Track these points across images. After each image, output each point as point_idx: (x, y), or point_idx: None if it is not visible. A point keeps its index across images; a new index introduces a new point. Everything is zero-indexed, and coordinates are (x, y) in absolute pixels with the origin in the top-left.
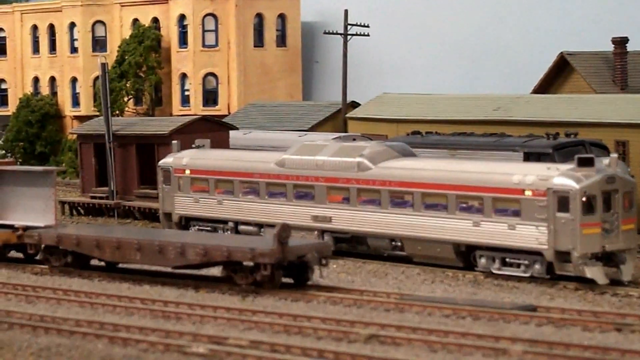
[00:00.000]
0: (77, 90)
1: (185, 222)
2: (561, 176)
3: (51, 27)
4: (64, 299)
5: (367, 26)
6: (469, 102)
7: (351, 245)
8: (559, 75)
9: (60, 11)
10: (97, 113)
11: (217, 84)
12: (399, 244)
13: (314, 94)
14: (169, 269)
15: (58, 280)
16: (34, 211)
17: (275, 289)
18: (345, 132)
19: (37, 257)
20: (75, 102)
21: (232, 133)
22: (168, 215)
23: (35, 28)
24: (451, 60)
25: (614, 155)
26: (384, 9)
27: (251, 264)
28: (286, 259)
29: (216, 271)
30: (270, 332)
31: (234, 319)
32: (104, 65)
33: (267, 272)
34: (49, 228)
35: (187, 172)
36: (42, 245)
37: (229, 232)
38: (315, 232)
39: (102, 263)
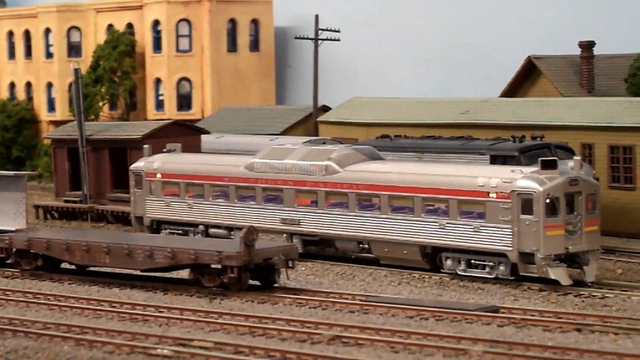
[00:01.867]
0: (53, 95)
1: (157, 226)
2: (525, 179)
3: (27, 33)
4: (34, 302)
5: (338, 31)
6: (438, 105)
7: (319, 248)
8: (527, 79)
9: (36, 17)
10: (73, 118)
11: (191, 88)
12: (367, 246)
13: (287, 98)
14: (138, 272)
15: (28, 284)
16: (5, 215)
17: (242, 291)
18: (317, 135)
19: (8, 261)
20: (51, 107)
21: (204, 137)
22: (140, 219)
23: (10, 34)
24: (422, 65)
25: (578, 157)
26: (356, 14)
27: (218, 266)
28: (253, 261)
29: (186, 274)
30: (235, 333)
31: (200, 321)
32: (77, 70)
33: (234, 274)
34: (20, 232)
35: (159, 175)
36: (13, 249)
37: (199, 235)
38: (284, 235)
39: (73, 266)
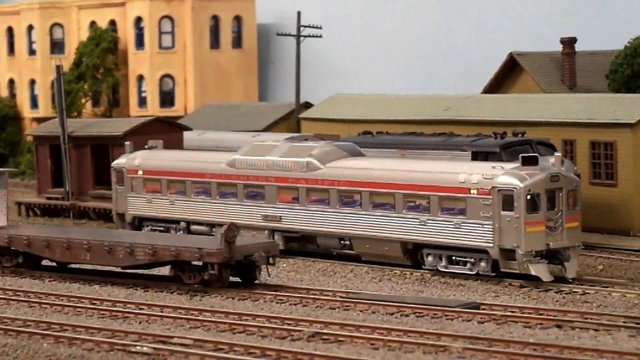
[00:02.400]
0: (36, 92)
1: (139, 223)
2: (505, 175)
3: (9, 30)
4: (14, 299)
5: (320, 27)
6: (419, 102)
7: (301, 244)
8: (508, 75)
9: (19, 14)
10: (55, 115)
11: (174, 85)
12: (348, 242)
13: (270, 94)
14: (119, 269)
15: (9, 281)
16: None
17: (222, 288)
18: (299, 132)
19: None
20: (34, 104)
21: (186, 134)
22: (121, 216)
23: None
24: (404, 61)
25: (559, 153)
26: (338, 11)
27: (199, 263)
28: (233, 258)
29: (167, 271)
30: (215, 331)
31: (180, 318)
32: (58, 67)
33: (214, 271)
34: (1, 229)
35: (140, 172)
36: None
37: (181, 232)
38: (266, 232)
39: (54, 263)
